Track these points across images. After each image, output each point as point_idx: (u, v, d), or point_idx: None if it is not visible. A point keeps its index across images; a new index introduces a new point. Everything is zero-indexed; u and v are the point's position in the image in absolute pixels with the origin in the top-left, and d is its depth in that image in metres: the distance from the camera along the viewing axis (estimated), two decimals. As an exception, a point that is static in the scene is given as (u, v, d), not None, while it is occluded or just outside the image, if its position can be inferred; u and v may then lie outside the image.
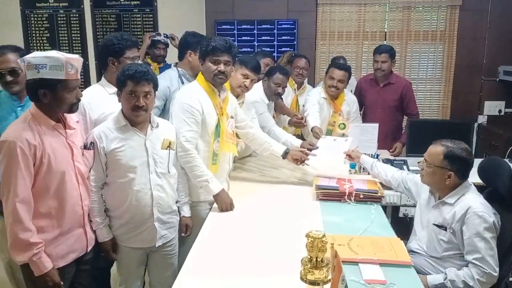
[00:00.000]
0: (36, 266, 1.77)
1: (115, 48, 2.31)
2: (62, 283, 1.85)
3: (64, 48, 5.13)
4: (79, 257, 1.99)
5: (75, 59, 1.82)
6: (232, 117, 2.48)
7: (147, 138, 2.08)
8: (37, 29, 5.12)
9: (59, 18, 5.08)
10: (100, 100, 2.23)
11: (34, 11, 5.08)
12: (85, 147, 1.99)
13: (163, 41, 4.00)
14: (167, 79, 2.73)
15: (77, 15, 5.06)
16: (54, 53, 1.77)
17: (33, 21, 5.11)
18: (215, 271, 1.77)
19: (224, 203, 2.35)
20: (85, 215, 1.98)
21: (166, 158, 2.14)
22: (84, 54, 5.13)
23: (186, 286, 1.68)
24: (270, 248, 1.93)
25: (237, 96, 2.73)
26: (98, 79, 5.09)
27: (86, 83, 5.20)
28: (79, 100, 1.88)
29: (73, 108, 1.86)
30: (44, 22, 5.10)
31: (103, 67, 2.41)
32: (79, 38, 5.11)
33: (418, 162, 3.06)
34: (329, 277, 1.20)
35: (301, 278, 1.19)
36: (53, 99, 1.79)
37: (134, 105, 2.00)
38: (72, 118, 1.98)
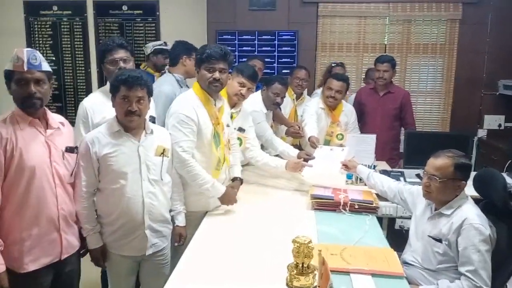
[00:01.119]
0: None
1: (101, 52, 2.36)
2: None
3: (67, 55, 5.19)
4: (55, 265, 1.94)
5: (22, 50, 1.81)
6: (227, 126, 2.48)
7: (140, 144, 2.07)
8: (41, 37, 5.18)
9: (62, 26, 5.14)
10: (102, 104, 2.23)
11: (38, 19, 5.14)
12: (68, 149, 1.97)
13: (169, 50, 4.00)
14: (168, 84, 2.74)
15: (80, 23, 5.12)
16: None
17: (36, 29, 5.17)
18: (206, 277, 1.76)
19: (229, 201, 2.39)
20: (61, 220, 1.92)
21: (159, 165, 2.12)
22: (86, 62, 5.19)
23: (175, 292, 1.66)
24: (262, 256, 1.92)
25: (234, 105, 2.74)
26: (100, 86, 5.18)
27: (87, 90, 5.26)
28: (31, 96, 1.82)
29: (25, 102, 1.83)
30: (48, 29, 5.17)
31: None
32: (82, 46, 5.17)
33: (417, 175, 3.10)
34: (315, 284, 1.18)
35: (287, 284, 1.18)
36: (11, 91, 1.84)
37: (127, 110, 1.99)
38: (54, 119, 1.97)
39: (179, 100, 2.39)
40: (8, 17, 5.15)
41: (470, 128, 4.68)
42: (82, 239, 2.07)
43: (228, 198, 2.39)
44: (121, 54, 2.32)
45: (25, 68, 1.78)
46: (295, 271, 1.17)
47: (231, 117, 2.69)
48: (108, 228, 2.09)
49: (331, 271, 1.69)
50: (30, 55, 1.79)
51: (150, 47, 4.12)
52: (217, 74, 2.31)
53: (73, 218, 2.00)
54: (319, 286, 1.20)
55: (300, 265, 1.16)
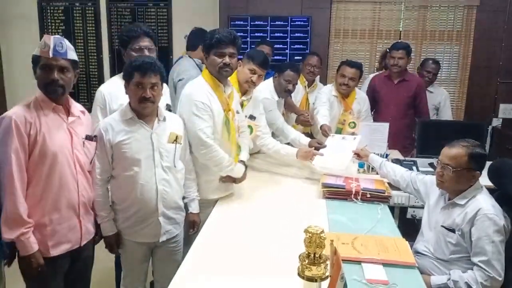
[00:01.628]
0: (23, 245, 1.78)
1: (123, 39, 2.35)
2: (45, 266, 1.85)
3: (79, 41, 5.19)
4: (74, 251, 1.97)
5: (49, 37, 1.82)
6: (237, 112, 2.47)
7: (154, 131, 2.07)
8: (53, 22, 5.18)
9: (75, 12, 5.13)
10: (120, 91, 2.21)
11: (51, 4, 5.14)
12: (87, 137, 1.99)
13: None
14: (193, 68, 2.73)
15: (92, 8, 5.11)
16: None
17: (49, 14, 5.17)
18: (217, 265, 1.77)
19: (243, 179, 2.47)
20: (81, 206, 1.95)
21: (172, 152, 2.12)
22: (98, 47, 5.19)
23: (186, 280, 1.68)
24: (273, 245, 1.92)
25: (245, 92, 2.72)
26: (112, 72, 5.20)
27: (99, 76, 5.27)
28: (54, 82, 1.83)
29: (47, 88, 1.84)
30: (60, 15, 5.16)
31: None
32: (94, 32, 5.16)
33: (430, 164, 3.07)
34: (327, 273, 1.18)
35: (299, 274, 1.18)
36: (36, 76, 1.86)
37: (141, 96, 1.99)
38: (76, 107, 2.00)
39: (191, 87, 2.37)
40: (21, 2, 5.16)
41: (485, 117, 4.60)
42: (97, 226, 2.10)
43: (243, 177, 2.47)
44: (146, 42, 2.34)
45: (51, 55, 1.80)
46: (307, 261, 1.16)
47: (242, 104, 2.68)
48: (122, 214, 2.11)
49: (342, 260, 1.71)
50: (56, 42, 1.81)
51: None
52: (227, 59, 2.28)
53: (91, 205, 2.04)
54: (330, 276, 1.20)
55: (312, 255, 1.16)
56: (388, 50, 4.08)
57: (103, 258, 2.34)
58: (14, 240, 1.77)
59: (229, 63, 2.29)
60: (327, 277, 1.18)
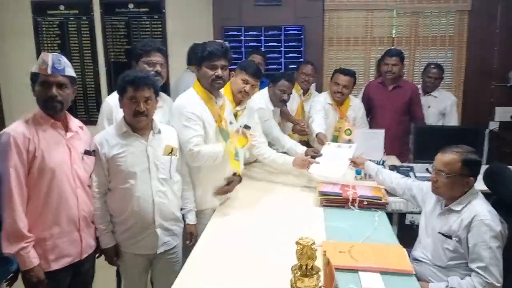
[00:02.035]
0: (23, 260, 1.80)
1: (136, 52, 2.42)
2: (46, 280, 1.85)
3: (75, 54, 5.19)
4: (75, 265, 1.98)
5: (47, 54, 1.86)
6: (230, 123, 2.48)
7: (149, 144, 2.09)
8: (49, 36, 5.19)
9: (69, 26, 5.15)
10: None
11: (45, 19, 5.16)
12: (86, 152, 2.01)
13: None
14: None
15: (87, 22, 5.12)
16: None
17: (44, 29, 5.19)
18: (213, 276, 1.77)
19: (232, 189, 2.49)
20: (82, 220, 1.97)
21: (168, 164, 2.14)
22: (94, 60, 5.20)
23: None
24: (270, 254, 1.92)
25: (239, 102, 2.72)
26: (109, 85, 5.20)
27: (96, 88, 5.28)
28: (53, 98, 1.86)
29: (46, 104, 1.87)
30: (55, 29, 5.18)
31: None
32: (89, 45, 5.17)
33: (427, 169, 3.07)
34: (320, 284, 1.18)
35: (291, 286, 1.18)
36: (35, 93, 1.88)
37: (135, 110, 2.01)
38: (74, 122, 2.03)
39: (181, 99, 2.38)
40: (16, 17, 5.17)
41: (482, 120, 4.61)
42: (97, 239, 2.11)
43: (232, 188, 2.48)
44: (158, 58, 2.40)
45: (49, 72, 1.83)
46: (299, 273, 1.16)
47: (236, 115, 2.68)
48: (119, 227, 2.12)
49: (339, 269, 1.71)
50: (55, 59, 1.84)
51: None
52: (219, 71, 2.30)
53: (91, 218, 2.05)
54: (324, 286, 1.20)
55: (304, 266, 1.15)
56: (385, 54, 4.12)
57: (105, 268, 2.32)
58: (14, 255, 1.78)
59: (221, 75, 2.31)
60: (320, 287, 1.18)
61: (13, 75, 5.24)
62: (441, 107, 3.92)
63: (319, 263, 1.24)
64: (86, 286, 2.14)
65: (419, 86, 4.02)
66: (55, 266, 1.90)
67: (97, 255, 2.16)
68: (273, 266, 1.80)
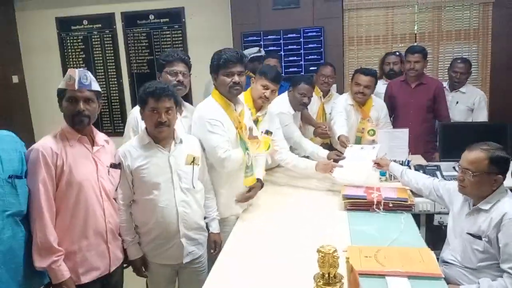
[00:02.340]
0: (54, 274, 1.83)
1: (160, 63, 2.49)
2: None
3: (99, 68, 5.34)
4: (103, 278, 2.01)
5: (74, 70, 1.90)
6: (250, 129, 2.49)
7: (171, 154, 2.11)
8: (73, 51, 5.36)
9: (93, 39, 5.30)
10: None
11: (70, 34, 5.32)
12: (112, 165, 2.05)
13: (263, 55, 4.08)
14: None
15: (110, 35, 5.26)
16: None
17: (69, 44, 5.35)
18: (238, 285, 1.77)
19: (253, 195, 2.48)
20: (109, 233, 2.01)
21: (191, 174, 2.15)
22: (118, 72, 5.33)
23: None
24: (296, 261, 1.90)
25: (260, 108, 2.73)
26: (132, 96, 5.31)
27: (121, 100, 5.40)
28: (80, 113, 1.91)
29: (74, 119, 1.92)
30: (80, 44, 5.34)
31: None
32: (113, 58, 5.31)
33: (454, 167, 3.00)
34: (344, 293, 1.16)
35: (314, 295, 1.17)
36: (62, 108, 1.93)
37: (157, 121, 2.04)
38: (100, 136, 2.07)
39: (202, 108, 2.39)
40: (42, 34, 5.36)
41: (510, 116, 4.46)
42: (125, 251, 2.14)
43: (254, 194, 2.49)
44: (181, 67, 2.46)
45: (76, 87, 1.88)
46: (321, 282, 1.15)
47: (257, 120, 2.69)
48: (145, 238, 2.14)
49: (365, 274, 1.69)
50: (81, 75, 1.89)
51: (247, 55, 4.19)
52: (236, 78, 2.31)
53: (118, 231, 2.09)
54: (349, 294, 1.18)
55: (327, 275, 1.14)
56: (385, 55, 4.14)
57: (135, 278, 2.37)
58: (46, 269, 1.83)
59: (239, 81, 2.32)
60: (344, 296, 1.17)
61: (41, 91, 5.43)
62: (469, 103, 3.81)
63: (343, 270, 1.23)
64: None
65: (446, 83, 3.93)
66: (84, 279, 1.93)
67: (124, 266, 2.19)
68: (298, 272, 1.79)
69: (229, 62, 2.30)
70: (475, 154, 1.99)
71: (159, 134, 2.08)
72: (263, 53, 4.09)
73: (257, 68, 4.02)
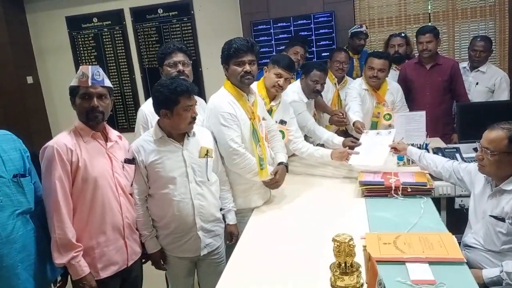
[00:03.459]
0: (74, 269, 1.85)
1: (159, 57, 2.47)
2: None
3: (111, 64, 5.37)
4: (122, 272, 2.03)
5: (87, 67, 1.90)
6: (263, 119, 2.45)
7: (184, 148, 2.10)
8: (85, 49, 5.40)
9: (104, 37, 5.32)
10: None
11: (81, 32, 5.35)
12: (126, 161, 2.05)
13: (364, 31, 4.09)
14: None
15: (120, 31, 5.28)
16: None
17: (80, 42, 5.39)
18: (256, 275, 1.75)
19: (280, 181, 2.42)
20: (126, 228, 2.02)
21: (204, 167, 2.14)
22: (130, 68, 5.35)
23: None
24: (314, 250, 1.88)
25: (274, 97, 2.70)
26: (145, 91, 5.33)
27: (134, 95, 5.43)
28: (94, 109, 1.91)
29: (89, 115, 1.92)
30: (91, 42, 5.37)
31: None
32: (124, 54, 5.33)
33: (474, 149, 2.92)
34: (361, 281, 1.13)
35: (331, 285, 1.14)
36: (76, 106, 1.93)
37: (191, 118, 2.05)
38: (113, 132, 2.08)
39: (215, 100, 2.36)
40: (53, 34, 5.42)
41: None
42: (143, 245, 2.15)
43: (281, 180, 2.42)
44: (180, 57, 2.43)
45: (90, 83, 1.89)
46: (338, 271, 1.12)
47: (271, 110, 2.66)
48: (162, 231, 2.15)
49: (385, 261, 1.66)
50: (94, 71, 1.90)
51: (348, 32, 4.21)
52: (247, 67, 2.27)
53: (135, 225, 2.10)
54: (367, 283, 1.15)
55: (343, 264, 1.11)
56: (389, 37, 4.03)
57: (155, 272, 2.39)
58: (65, 265, 1.85)
59: (250, 70, 2.28)
60: (362, 285, 1.14)
61: (56, 91, 5.50)
62: (490, 84, 3.70)
63: (360, 258, 1.20)
64: None
65: (466, 63, 3.82)
66: (103, 274, 1.95)
67: (143, 260, 2.20)
68: (316, 262, 1.77)
69: (240, 51, 2.25)
70: (495, 133, 1.94)
71: (190, 129, 2.10)
72: (363, 29, 4.06)
73: (357, 44, 4.07)
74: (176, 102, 2.00)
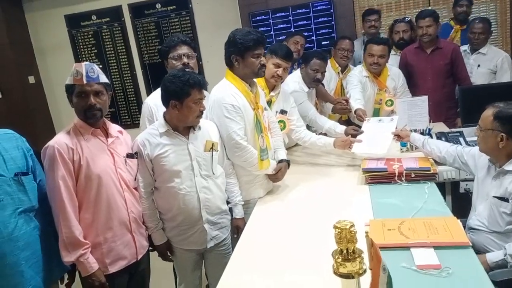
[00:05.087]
0: (83, 266, 1.87)
1: (163, 50, 2.46)
2: (107, 283, 1.93)
3: (112, 61, 5.37)
4: (131, 266, 2.05)
5: (80, 65, 1.89)
6: (265, 109, 2.45)
7: (190, 141, 2.11)
8: (85, 47, 5.40)
9: (103, 34, 5.32)
10: None
11: (80, 30, 5.35)
12: (128, 155, 2.06)
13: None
14: None
15: (119, 28, 5.27)
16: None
17: (80, 40, 5.39)
18: (261, 265, 1.76)
19: (281, 177, 2.44)
20: (132, 222, 2.03)
21: (210, 160, 2.15)
22: (131, 64, 5.35)
23: (231, 282, 1.68)
24: (318, 239, 1.88)
25: (273, 87, 2.69)
26: (147, 86, 5.34)
27: (136, 91, 5.44)
28: (92, 107, 1.91)
29: (87, 113, 1.92)
30: (91, 39, 5.37)
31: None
32: (124, 50, 5.33)
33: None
34: (364, 267, 1.14)
35: (334, 272, 1.14)
36: (73, 104, 1.93)
37: (199, 112, 2.06)
38: (113, 128, 2.08)
39: (218, 91, 2.34)
40: (53, 33, 5.42)
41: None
42: (150, 238, 2.18)
43: (281, 175, 2.44)
44: (185, 50, 2.43)
45: (85, 81, 1.88)
46: (340, 258, 1.12)
47: (271, 101, 2.66)
48: (169, 224, 2.17)
49: (389, 247, 1.66)
50: (88, 68, 1.88)
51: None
52: (263, 60, 2.30)
53: (141, 219, 2.11)
54: (371, 269, 1.16)
55: (345, 250, 1.12)
56: (394, 22, 3.98)
57: (163, 265, 2.41)
58: (74, 262, 1.87)
59: (264, 63, 2.31)
60: (364, 271, 1.14)
61: (58, 89, 5.48)
62: (491, 66, 3.67)
63: (363, 245, 1.20)
64: (144, 285, 2.22)
65: (467, 46, 3.79)
66: (112, 269, 1.97)
67: (150, 248, 2.21)
68: (321, 249, 1.76)
69: (260, 44, 2.25)
70: (486, 111, 2.00)
71: (197, 123, 2.11)
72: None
73: (462, 11, 3.86)
74: (187, 94, 2.00)
